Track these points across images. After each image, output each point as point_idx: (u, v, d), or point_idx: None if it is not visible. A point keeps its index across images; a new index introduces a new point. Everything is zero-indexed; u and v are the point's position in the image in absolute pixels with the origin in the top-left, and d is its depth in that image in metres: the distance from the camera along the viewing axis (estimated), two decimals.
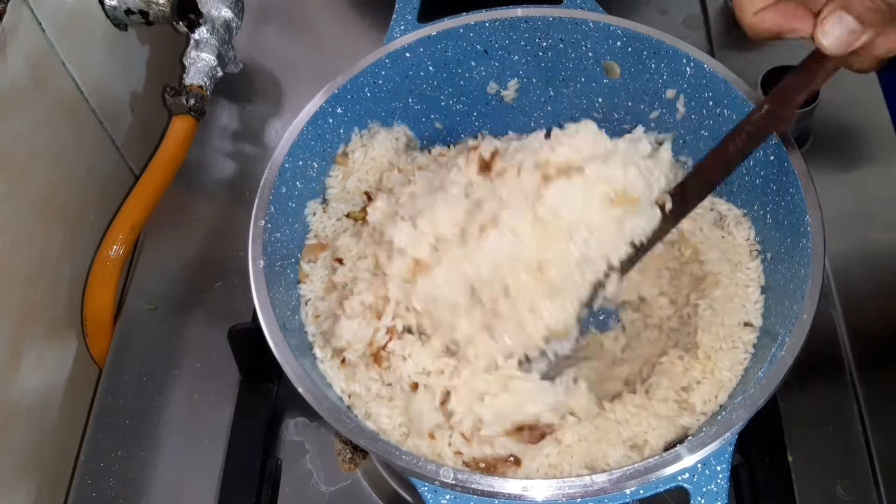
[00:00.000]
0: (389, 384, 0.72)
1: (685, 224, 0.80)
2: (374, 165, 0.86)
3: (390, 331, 0.73)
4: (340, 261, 0.79)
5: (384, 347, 0.72)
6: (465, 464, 0.70)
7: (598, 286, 0.71)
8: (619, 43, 0.83)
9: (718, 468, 0.62)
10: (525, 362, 0.72)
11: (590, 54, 0.85)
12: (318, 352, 0.74)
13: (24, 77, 0.85)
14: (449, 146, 0.91)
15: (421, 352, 0.72)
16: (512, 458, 0.68)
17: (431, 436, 0.70)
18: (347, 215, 0.84)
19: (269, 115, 1.09)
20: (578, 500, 0.61)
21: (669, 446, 0.68)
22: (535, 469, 0.68)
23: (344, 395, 0.73)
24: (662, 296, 0.81)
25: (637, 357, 0.79)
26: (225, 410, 0.86)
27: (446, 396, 0.70)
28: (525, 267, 0.69)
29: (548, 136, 0.73)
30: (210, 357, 0.90)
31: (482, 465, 0.69)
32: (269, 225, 0.75)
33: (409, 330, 0.73)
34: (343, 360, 0.73)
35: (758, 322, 0.75)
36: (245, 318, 0.86)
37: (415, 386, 0.71)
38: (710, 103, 0.81)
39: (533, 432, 0.70)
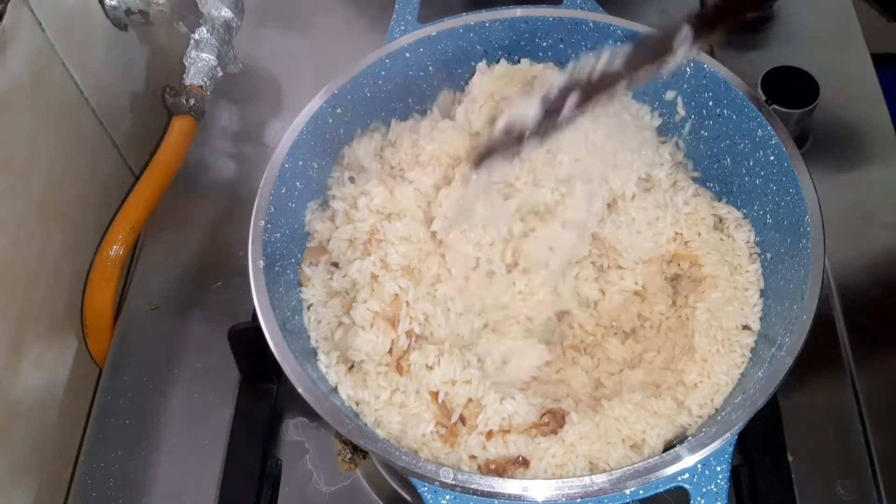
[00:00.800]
0: (403, 391, 0.72)
1: (684, 233, 0.81)
2: None
3: (409, 334, 0.73)
4: (336, 265, 0.79)
5: (405, 357, 0.72)
6: (479, 467, 0.70)
7: None
8: (618, 43, 0.83)
9: (718, 468, 0.62)
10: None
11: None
12: (322, 357, 0.74)
13: (24, 77, 0.85)
14: None
15: (451, 362, 0.72)
16: (520, 459, 0.69)
17: (447, 440, 0.70)
18: None
19: (269, 115, 1.09)
20: (578, 500, 0.61)
21: (669, 445, 0.68)
22: (542, 469, 0.68)
23: (351, 402, 0.72)
24: (660, 303, 0.82)
25: (636, 356, 0.79)
26: (225, 410, 0.86)
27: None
28: None
29: None
30: (210, 357, 0.90)
31: (492, 466, 0.69)
32: (269, 225, 0.75)
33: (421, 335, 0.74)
34: (351, 367, 0.73)
35: (756, 325, 0.75)
36: (245, 318, 0.86)
37: (435, 395, 0.72)
38: (710, 103, 0.81)
39: (555, 416, 0.70)
